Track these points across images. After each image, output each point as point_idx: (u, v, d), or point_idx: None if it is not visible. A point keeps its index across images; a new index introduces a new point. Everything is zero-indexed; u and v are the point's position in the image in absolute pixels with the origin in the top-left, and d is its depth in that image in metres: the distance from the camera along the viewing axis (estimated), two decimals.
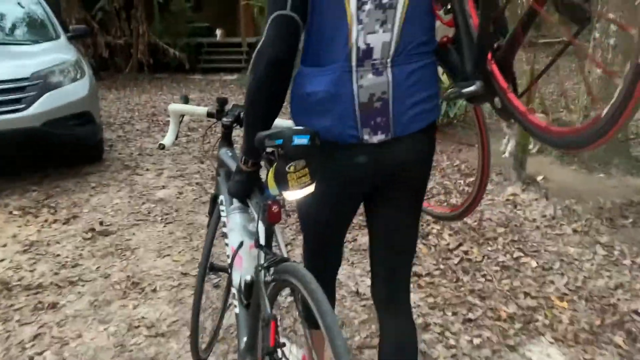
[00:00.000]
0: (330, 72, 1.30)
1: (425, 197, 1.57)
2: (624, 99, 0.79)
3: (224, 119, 1.81)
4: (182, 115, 2.04)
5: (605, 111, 0.83)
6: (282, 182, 1.29)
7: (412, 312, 1.68)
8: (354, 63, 1.29)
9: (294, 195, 1.32)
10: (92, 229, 3.63)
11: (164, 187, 4.54)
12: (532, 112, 1.10)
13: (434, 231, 3.51)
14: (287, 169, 1.27)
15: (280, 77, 1.28)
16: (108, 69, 12.81)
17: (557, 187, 4.23)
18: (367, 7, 1.26)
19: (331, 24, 1.28)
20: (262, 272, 1.40)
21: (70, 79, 4.67)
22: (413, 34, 1.31)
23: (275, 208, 1.37)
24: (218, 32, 14.44)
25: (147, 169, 5.04)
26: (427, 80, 1.35)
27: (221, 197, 1.78)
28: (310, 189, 1.33)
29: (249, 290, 1.49)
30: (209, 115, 1.92)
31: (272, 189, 1.35)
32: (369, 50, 1.28)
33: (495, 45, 1.17)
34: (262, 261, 1.42)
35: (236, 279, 1.54)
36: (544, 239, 3.40)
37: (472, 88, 1.19)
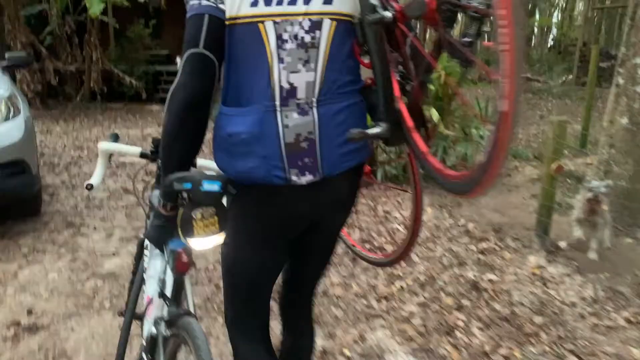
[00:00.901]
0: (254, 112, 1.26)
1: (360, 242, 1.63)
2: (493, 148, 0.80)
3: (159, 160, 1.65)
4: (111, 155, 1.95)
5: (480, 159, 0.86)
6: (186, 228, 1.26)
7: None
8: (277, 102, 1.26)
9: (199, 243, 1.29)
10: (17, 323, 2.75)
11: (114, 254, 3.68)
12: (430, 154, 1.11)
13: (460, 324, 2.81)
14: (192, 215, 1.25)
15: (195, 119, 1.25)
16: (57, 96, 11.79)
17: (584, 255, 3.61)
18: (288, 45, 1.24)
19: (251, 62, 1.26)
20: (163, 325, 1.37)
21: (1, 118, 3.80)
22: (338, 73, 1.30)
23: (184, 257, 1.35)
24: (178, 60, 13.51)
25: (95, 227, 4.16)
26: (354, 119, 1.32)
27: (147, 241, 1.72)
28: (218, 239, 1.31)
29: (152, 345, 1.44)
30: (142, 156, 1.84)
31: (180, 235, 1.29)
32: (292, 90, 1.26)
33: (408, 87, 1.21)
34: (164, 314, 1.40)
35: (145, 331, 1.50)
36: (595, 333, 2.74)
37: (376, 130, 1.20)
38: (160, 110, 11.45)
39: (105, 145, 1.90)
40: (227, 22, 1.24)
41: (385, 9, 1.14)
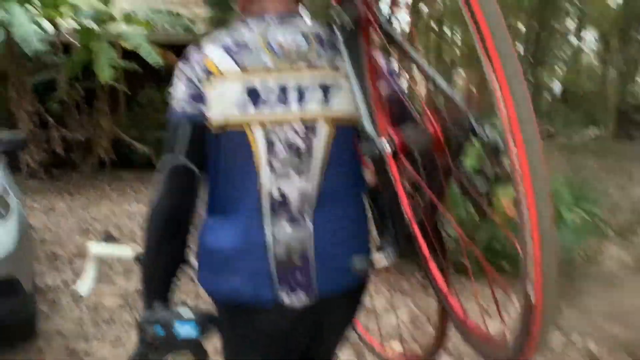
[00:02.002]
0: (240, 224, 1.18)
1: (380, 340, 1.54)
2: (522, 335, 0.72)
3: None
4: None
5: (509, 337, 0.77)
6: None
7: None
8: (266, 213, 1.17)
9: None
10: None
11: None
12: (452, 294, 1.00)
13: None
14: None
15: (176, 235, 1.18)
16: (63, 166, 11.08)
17: None
18: (279, 151, 1.16)
19: (238, 170, 1.17)
20: None
21: None
22: (336, 180, 1.20)
23: None
24: None
25: (104, 359, 3.23)
26: (354, 231, 1.24)
27: None
28: None
29: None
30: (138, 260, 1.50)
31: None
32: (283, 200, 1.17)
33: (422, 207, 1.07)
34: None
35: None
36: None
37: (384, 261, 1.12)
38: None
39: (95, 248, 1.68)
40: (211, 129, 1.15)
41: (387, 141, 1.00)
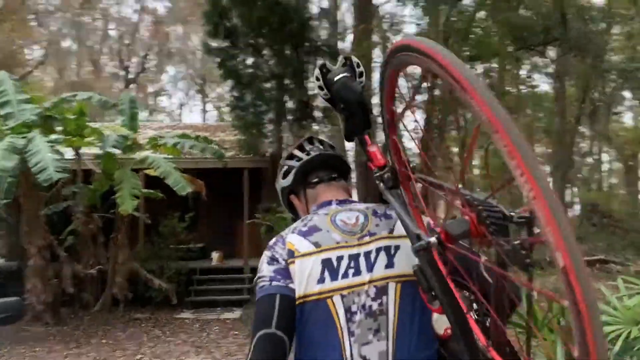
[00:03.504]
0: None
1: None
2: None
3: None
4: None
5: None
6: None
7: None
8: None
9: None
10: None
11: None
12: None
13: None
14: None
15: None
16: (72, 304, 9.92)
17: None
18: (357, 317, 1.23)
19: (322, 339, 1.23)
20: None
21: None
22: (410, 337, 1.25)
23: None
24: (214, 255, 11.95)
25: None
26: None
27: None
28: None
29: None
30: None
31: None
32: None
33: (488, 323, 1.05)
34: None
35: None
36: None
37: None
38: (194, 319, 9.45)
39: None
40: (296, 300, 1.24)
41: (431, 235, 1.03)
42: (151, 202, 10.70)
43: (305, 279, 1.25)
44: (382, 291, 1.25)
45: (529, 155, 0.71)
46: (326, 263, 1.26)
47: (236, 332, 8.37)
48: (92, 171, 9.87)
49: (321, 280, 1.25)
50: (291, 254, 1.28)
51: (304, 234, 1.31)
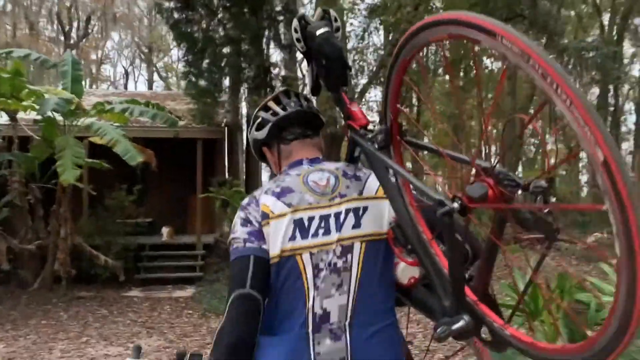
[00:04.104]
0: (286, 342, 1.28)
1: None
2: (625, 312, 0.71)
3: None
4: None
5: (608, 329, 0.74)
6: None
7: None
8: (310, 329, 1.27)
9: None
10: None
11: None
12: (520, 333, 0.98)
13: None
14: None
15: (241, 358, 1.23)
16: (8, 282, 9.15)
17: None
18: (323, 273, 1.29)
19: (289, 293, 1.29)
20: None
21: None
22: (370, 293, 1.32)
23: None
24: (164, 230, 11.30)
25: None
26: (388, 342, 1.33)
27: None
28: None
29: None
30: None
31: None
32: (325, 315, 1.29)
33: (467, 275, 1.14)
34: None
35: None
36: None
37: (461, 323, 1.09)
38: (143, 298, 8.89)
39: None
40: (269, 260, 1.29)
41: (452, 200, 1.02)
42: (96, 173, 9.95)
43: (279, 238, 1.30)
44: (347, 250, 1.32)
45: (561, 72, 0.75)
46: (298, 223, 1.32)
47: (190, 311, 7.89)
48: (30, 138, 9.03)
49: (292, 238, 1.30)
50: (265, 215, 1.32)
51: (278, 195, 1.35)
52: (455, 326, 1.08)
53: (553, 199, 0.89)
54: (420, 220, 1.19)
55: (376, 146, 1.27)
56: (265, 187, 1.40)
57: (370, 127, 1.34)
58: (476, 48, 0.94)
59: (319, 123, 1.53)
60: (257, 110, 1.53)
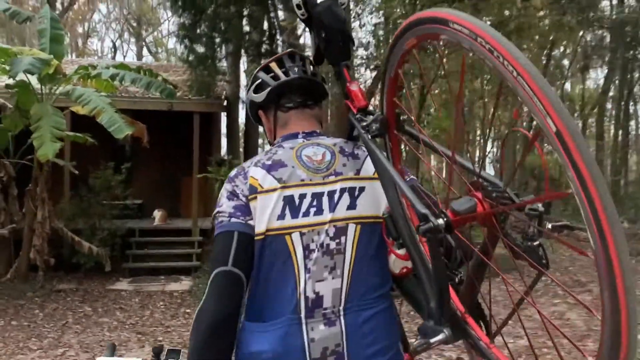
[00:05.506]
0: (277, 327, 1.21)
1: None
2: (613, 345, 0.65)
3: None
4: None
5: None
6: None
7: None
8: (302, 314, 1.21)
9: None
10: None
11: None
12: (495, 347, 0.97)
13: None
14: None
15: (223, 340, 1.18)
16: None
17: None
18: (315, 254, 1.23)
19: (278, 275, 1.23)
20: None
21: None
22: (365, 277, 1.27)
23: None
24: (156, 213, 10.17)
25: None
26: (383, 327, 1.27)
27: None
28: None
29: None
30: None
31: None
32: (318, 299, 1.22)
33: (457, 279, 1.13)
34: None
35: None
36: None
37: (440, 337, 1.04)
38: (133, 291, 7.79)
39: None
40: (255, 237, 1.23)
41: (438, 216, 0.96)
42: (79, 148, 8.79)
43: (267, 215, 1.22)
44: (341, 231, 1.25)
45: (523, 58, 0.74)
46: (288, 200, 1.24)
47: (188, 310, 6.80)
48: (2, 106, 7.82)
49: (281, 216, 1.23)
50: (253, 189, 1.25)
51: (268, 168, 1.27)
52: (434, 339, 1.02)
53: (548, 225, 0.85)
54: (413, 216, 1.13)
55: (369, 136, 1.19)
56: (256, 159, 1.32)
57: (370, 108, 1.26)
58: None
59: (321, 92, 1.43)
60: (258, 69, 1.41)
